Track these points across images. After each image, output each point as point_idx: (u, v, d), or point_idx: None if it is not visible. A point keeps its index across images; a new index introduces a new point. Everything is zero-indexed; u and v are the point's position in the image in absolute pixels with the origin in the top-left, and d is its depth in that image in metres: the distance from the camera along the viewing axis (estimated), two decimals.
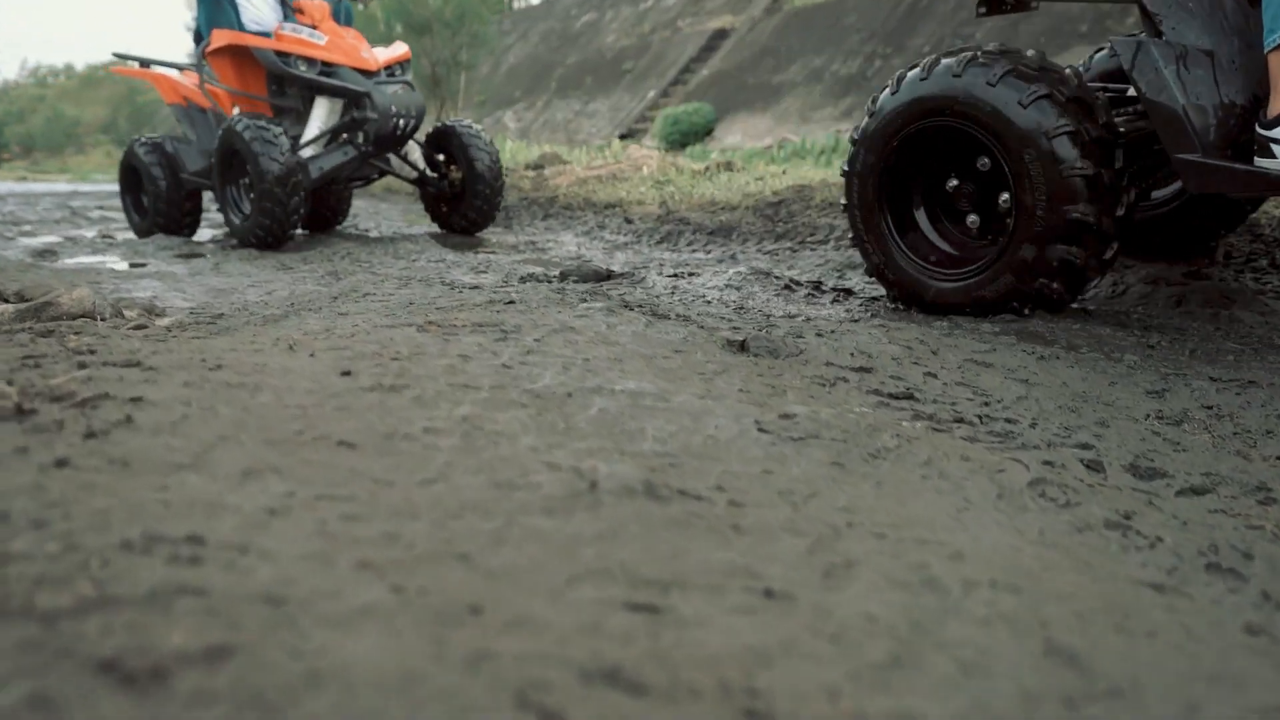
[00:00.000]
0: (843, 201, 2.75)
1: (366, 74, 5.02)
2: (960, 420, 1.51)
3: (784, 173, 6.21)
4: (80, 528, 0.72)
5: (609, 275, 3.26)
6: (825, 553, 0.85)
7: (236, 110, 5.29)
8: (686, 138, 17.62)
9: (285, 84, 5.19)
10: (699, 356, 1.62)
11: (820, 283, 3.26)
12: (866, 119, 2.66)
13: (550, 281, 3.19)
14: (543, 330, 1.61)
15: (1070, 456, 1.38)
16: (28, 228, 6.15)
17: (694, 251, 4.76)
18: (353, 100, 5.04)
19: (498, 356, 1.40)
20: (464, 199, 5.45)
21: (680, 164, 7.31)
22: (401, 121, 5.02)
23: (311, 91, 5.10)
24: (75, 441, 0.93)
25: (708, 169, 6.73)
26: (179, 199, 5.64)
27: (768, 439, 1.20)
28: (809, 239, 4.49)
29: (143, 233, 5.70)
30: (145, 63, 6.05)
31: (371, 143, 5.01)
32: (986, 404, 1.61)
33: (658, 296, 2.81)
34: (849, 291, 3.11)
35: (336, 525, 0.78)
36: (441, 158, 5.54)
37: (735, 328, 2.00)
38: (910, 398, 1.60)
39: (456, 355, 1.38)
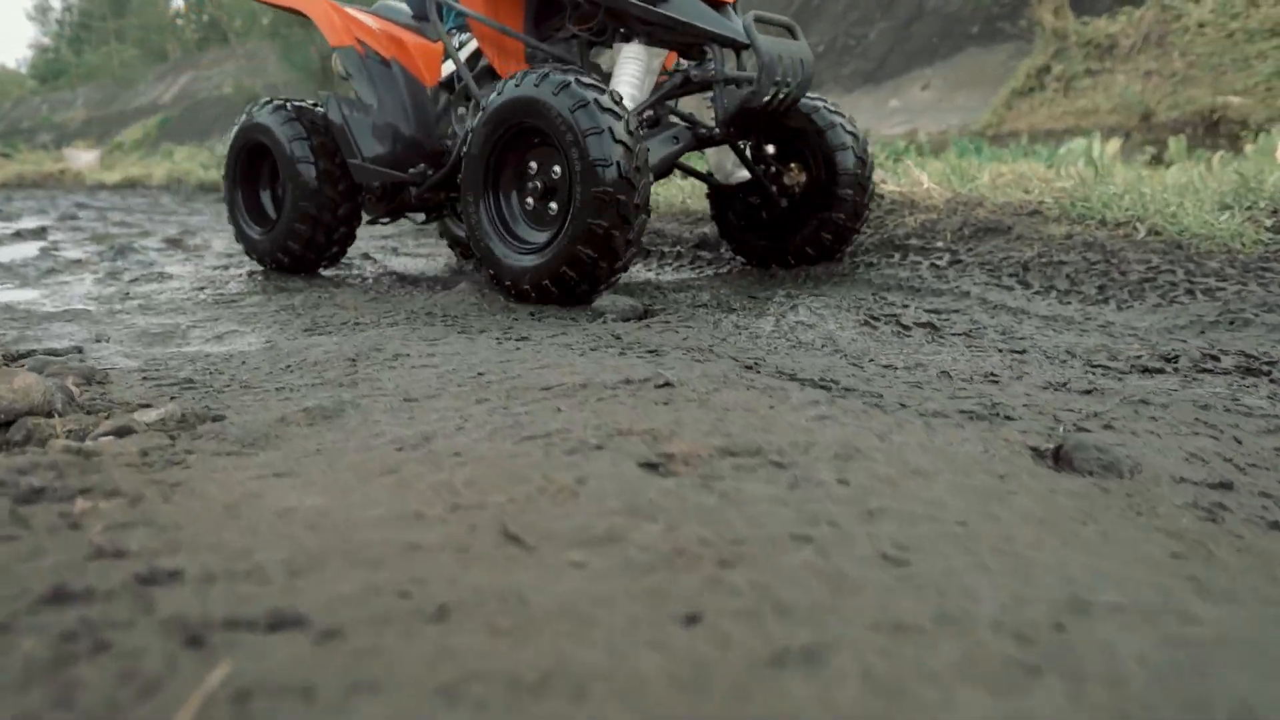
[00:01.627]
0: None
1: (717, 9, 2.99)
2: None
3: None
4: None
5: (646, 312, 2.72)
6: None
7: (456, 53, 3.18)
8: None
9: (565, 18, 3.08)
10: (1032, 482, 1.11)
11: (897, 317, 2.80)
12: None
13: (576, 320, 2.63)
14: (823, 459, 1.07)
15: None
16: None
17: (680, 270, 4.25)
18: (690, 51, 3.13)
19: (845, 534, 0.85)
20: (811, 213, 3.37)
21: None
22: (784, 92, 2.99)
23: (600, 36, 3.06)
24: None
25: None
26: (334, 200, 3.41)
27: None
28: None
29: (264, 254, 3.58)
30: None
31: (729, 121, 3.06)
32: None
33: (723, 340, 2.31)
34: (934, 327, 2.66)
35: None
36: (771, 150, 3.47)
37: (982, 410, 1.50)
38: None
39: (788, 537, 0.83)
